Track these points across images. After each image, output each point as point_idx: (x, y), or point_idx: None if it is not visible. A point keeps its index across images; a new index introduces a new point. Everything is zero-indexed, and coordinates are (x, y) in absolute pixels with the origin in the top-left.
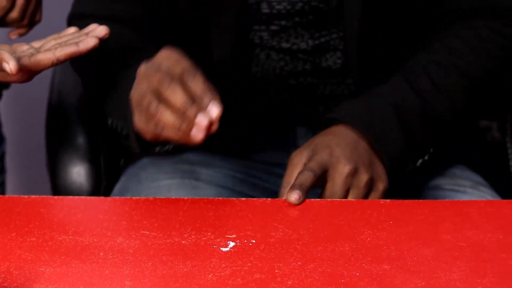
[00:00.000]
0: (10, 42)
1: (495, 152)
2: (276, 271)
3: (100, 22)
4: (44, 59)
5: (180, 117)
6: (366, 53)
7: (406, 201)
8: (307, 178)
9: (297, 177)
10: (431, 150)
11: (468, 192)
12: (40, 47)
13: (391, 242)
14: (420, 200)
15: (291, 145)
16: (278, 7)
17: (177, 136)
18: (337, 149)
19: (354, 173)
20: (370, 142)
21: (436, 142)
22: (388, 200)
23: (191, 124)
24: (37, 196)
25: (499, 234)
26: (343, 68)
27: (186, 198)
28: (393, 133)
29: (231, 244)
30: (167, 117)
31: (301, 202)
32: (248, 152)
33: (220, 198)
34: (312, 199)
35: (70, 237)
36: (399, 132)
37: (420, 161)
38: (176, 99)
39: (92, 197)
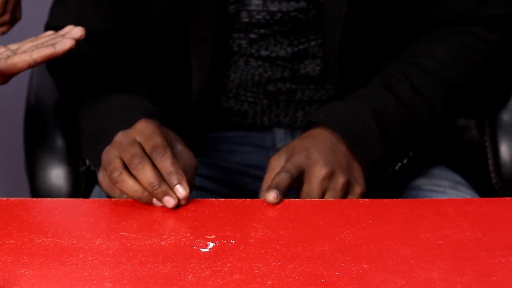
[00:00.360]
0: None
1: (474, 151)
2: (256, 271)
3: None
4: (21, 62)
5: (144, 192)
6: (346, 60)
7: (385, 200)
8: (284, 179)
9: (273, 178)
10: (410, 154)
11: (447, 192)
12: (16, 49)
13: (370, 241)
14: (399, 199)
15: (269, 148)
16: (257, 16)
17: (140, 200)
18: (314, 152)
19: (330, 175)
20: (348, 145)
21: (415, 146)
22: (367, 200)
23: (158, 198)
24: (15, 198)
25: (477, 233)
26: (322, 74)
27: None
28: (372, 138)
29: (211, 244)
30: (130, 186)
31: (278, 201)
32: (227, 155)
33: (201, 199)
34: (291, 199)
35: (49, 239)
36: (378, 137)
37: (399, 164)
38: (144, 178)
39: (71, 199)
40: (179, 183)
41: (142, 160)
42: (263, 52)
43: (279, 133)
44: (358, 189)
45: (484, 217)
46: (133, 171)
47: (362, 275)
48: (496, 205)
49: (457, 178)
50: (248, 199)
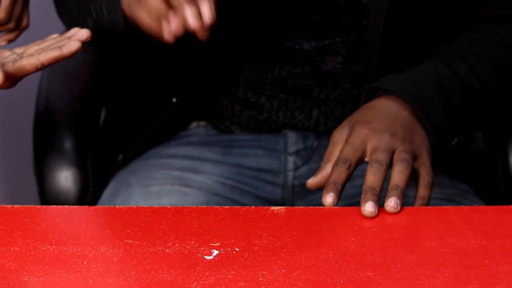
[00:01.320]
0: None
1: (481, 162)
2: (260, 279)
3: None
4: (28, 65)
5: (167, 9)
6: (387, 57)
7: None
8: (341, 174)
9: (331, 173)
10: (464, 131)
11: (456, 201)
12: (22, 53)
13: (375, 249)
14: (404, 207)
15: (281, 152)
16: None
17: (152, 24)
18: (376, 123)
19: (393, 143)
20: (412, 112)
21: (469, 123)
22: None
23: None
24: (20, 205)
25: (482, 240)
26: (342, 72)
27: (169, 207)
28: (436, 105)
29: (215, 252)
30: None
31: (335, 203)
32: (239, 158)
33: (209, 205)
34: (295, 207)
35: (54, 246)
36: (441, 105)
37: (455, 140)
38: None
39: (76, 206)
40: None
41: None
42: (288, 43)
43: (291, 137)
44: (425, 158)
45: (489, 224)
46: None
47: (367, 283)
48: (501, 213)
49: (465, 187)
50: (252, 207)
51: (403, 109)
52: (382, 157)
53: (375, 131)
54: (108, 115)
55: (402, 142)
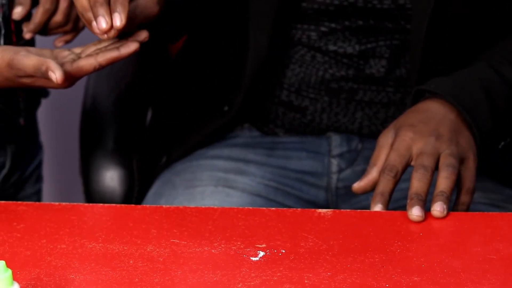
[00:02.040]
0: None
1: None
2: (306, 281)
3: None
4: (86, 65)
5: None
6: (430, 61)
7: None
8: (388, 183)
9: (378, 183)
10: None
11: (502, 206)
12: (80, 53)
13: (421, 253)
14: (450, 212)
15: (325, 154)
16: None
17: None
18: (422, 126)
19: (439, 147)
20: (459, 115)
21: None
22: None
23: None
24: (67, 203)
25: None
26: (386, 76)
27: (216, 207)
28: (483, 108)
29: (261, 253)
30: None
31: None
32: (282, 161)
33: (252, 207)
34: (342, 210)
35: (100, 244)
36: (488, 108)
37: (502, 143)
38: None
39: (122, 205)
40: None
41: None
42: (331, 47)
43: (335, 139)
44: (471, 161)
45: None
46: None
47: (412, 287)
48: None
49: (511, 192)
50: (298, 209)
51: (449, 112)
52: (428, 162)
53: (421, 135)
54: (155, 116)
55: (448, 145)
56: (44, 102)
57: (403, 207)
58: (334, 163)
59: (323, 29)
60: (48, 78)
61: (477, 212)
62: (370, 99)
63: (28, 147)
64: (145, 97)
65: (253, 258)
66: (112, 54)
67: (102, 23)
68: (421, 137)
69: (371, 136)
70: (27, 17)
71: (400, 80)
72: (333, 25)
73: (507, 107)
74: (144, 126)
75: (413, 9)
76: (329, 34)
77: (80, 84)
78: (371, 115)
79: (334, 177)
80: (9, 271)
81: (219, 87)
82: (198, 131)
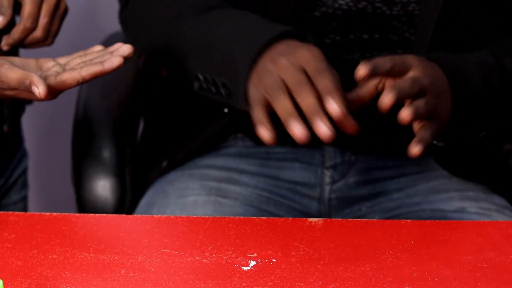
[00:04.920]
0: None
1: None
2: None
3: None
4: (70, 79)
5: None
6: None
7: (427, 221)
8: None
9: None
10: (484, 134)
11: (493, 216)
12: (65, 65)
13: (412, 262)
14: (441, 221)
15: (318, 165)
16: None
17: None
18: (421, 63)
19: (424, 88)
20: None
21: (498, 119)
22: (409, 221)
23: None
24: (58, 213)
25: None
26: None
27: (207, 217)
28: (472, 80)
29: (252, 263)
30: (286, 105)
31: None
32: (275, 171)
33: (244, 216)
34: (333, 219)
35: (91, 254)
36: (479, 82)
37: (483, 133)
38: (306, 102)
39: (114, 215)
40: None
41: (303, 83)
42: (333, 59)
43: (329, 151)
44: (441, 116)
45: None
46: (295, 92)
47: None
48: None
49: (503, 202)
50: (290, 218)
51: (443, 77)
52: (418, 82)
53: (424, 71)
54: (148, 125)
55: (432, 95)
56: (31, 109)
57: (395, 217)
58: (327, 175)
59: (327, 41)
60: (31, 92)
61: (468, 221)
62: (369, 110)
63: (12, 154)
64: (138, 106)
65: (244, 268)
66: (96, 69)
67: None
68: (424, 70)
69: (365, 149)
70: (10, 25)
71: None
72: (337, 37)
73: (499, 88)
74: (137, 135)
75: (419, 16)
76: (332, 47)
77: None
78: (368, 129)
79: (327, 188)
80: (0, 282)
81: None
82: (196, 136)
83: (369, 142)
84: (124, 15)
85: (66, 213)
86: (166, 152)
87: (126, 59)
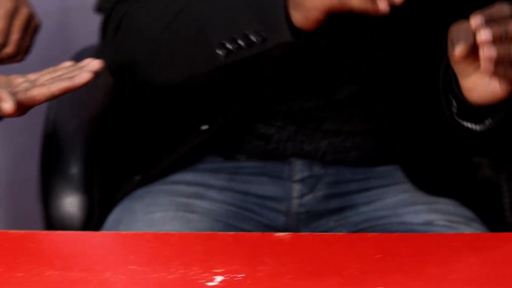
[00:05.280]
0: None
1: (487, 189)
2: None
3: None
4: (39, 95)
5: None
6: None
7: (394, 234)
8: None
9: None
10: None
11: (460, 228)
12: (35, 81)
13: (379, 276)
14: (408, 234)
15: (286, 179)
16: None
17: (361, 4)
18: None
19: None
20: None
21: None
22: (375, 234)
23: None
24: (25, 231)
25: (487, 268)
26: (356, 102)
27: (173, 232)
28: None
29: (219, 278)
30: None
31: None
32: (244, 185)
33: (212, 232)
34: (300, 233)
35: (58, 272)
36: None
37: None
38: None
39: (81, 232)
40: None
41: None
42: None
43: (297, 164)
44: None
45: (494, 252)
46: None
47: None
48: (506, 240)
49: (470, 214)
50: (257, 233)
51: None
52: None
53: None
54: (120, 140)
55: None
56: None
57: (362, 230)
58: (296, 188)
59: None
60: (0, 108)
61: (436, 234)
62: (338, 128)
63: None
64: (108, 122)
65: (210, 284)
66: (65, 84)
67: None
68: None
69: (334, 162)
70: None
71: (368, 108)
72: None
73: None
74: (106, 151)
75: None
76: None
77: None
78: (337, 144)
79: (295, 202)
80: None
81: (198, 108)
82: (172, 152)
83: (337, 155)
84: (117, 40)
85: (33, 230)
86: (139, 168)
87: (95, 74)
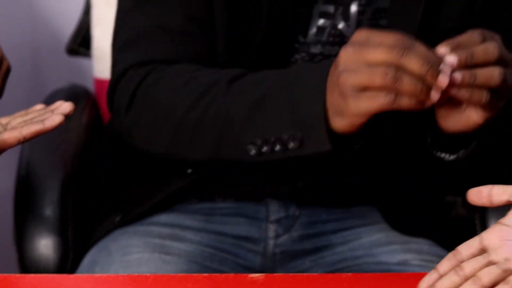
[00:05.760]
0: None
1: (461, 228)
2: None
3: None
4: (10, 138)
5: (420, 81)
6: None
7: (369, 274)
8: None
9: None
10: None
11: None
12: (6, 124)
13: None
14: (383, 273)
15: (262, 220)
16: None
17: (410, 103)
18: None
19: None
20: None
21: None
22: (350, 274)
23: (429, 85)
24: None
25: None
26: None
27: (149, 274)
28: None
29: None
30: (407, 84)
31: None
32: (220, 226)
33: (188, 273)
34: (274, 274)
35: None
36: None
37: (462, 151)
38: (416, 65)
39: (55, 275)
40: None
41: (403, 49)
42: None
43: (273, 205)
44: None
45: None
46: (400, 62)
47: None
48: None
49: (446, 254)
50: (231, 274)
51: None
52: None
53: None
54: (92, 183)
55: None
56: None
57: (338, 270)
58: (272, 229)
59: None
60: None
61: (410, 273)
62: (314, 169)
63: None
64: (82, 163)
65: None
66: (37, 127)
67: None
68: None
69: (310, 203)
70: None
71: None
72: None
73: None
74: (82, 192)
75: None
76: None
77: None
78: (313, 185)
79: (271, 242)
80: None
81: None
82: (155, 195)
83: (313, 196)
84: (133, 115)
85: (6, 274)
86: (120, 208)
87: (67, 117)
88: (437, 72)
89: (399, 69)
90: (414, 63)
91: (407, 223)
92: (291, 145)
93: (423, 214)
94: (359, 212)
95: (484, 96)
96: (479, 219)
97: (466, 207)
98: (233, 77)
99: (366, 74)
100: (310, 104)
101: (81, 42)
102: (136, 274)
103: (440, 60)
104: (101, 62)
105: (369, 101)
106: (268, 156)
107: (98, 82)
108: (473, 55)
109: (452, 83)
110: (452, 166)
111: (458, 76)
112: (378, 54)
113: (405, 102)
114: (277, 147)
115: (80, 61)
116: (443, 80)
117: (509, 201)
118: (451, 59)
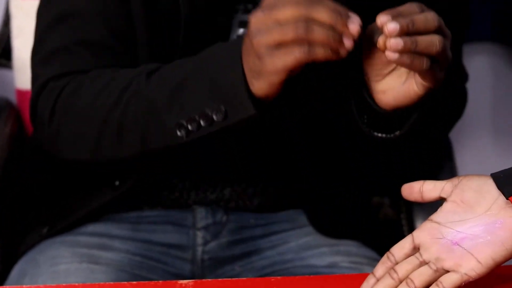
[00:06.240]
0: None
1: (389, 229)
2: None
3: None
4: None
5: (330, 30)
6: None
7: (298, 277)
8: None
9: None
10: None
11: (365, 269)
12: None
13: None
14: (312, 276)
15: (190, 227)
16: None
17: (325, 53)
18: None
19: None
20: None
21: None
22: (279, 278)
23: (340, 35)
24: None
25: None
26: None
27: (77, 284)
28: None
29: None
30: (318, 33)
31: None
32: (147, 234)
33: (116, 282)
34: (204, 280)
35: None
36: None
37: (397, 132)
38: (324, 15)
39: None
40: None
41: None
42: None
43: (200, 212)
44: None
45: None
46: (311, 15)
47: None
48: None
49: (374, 255)
50: (160, 281)
51: None
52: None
53: None
54: (21, 192)
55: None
56: None
57: (268, 274)
58: (199, 236)
59: None
60: None
61: (340, 275)
62: (240, 176)
63: None
64: (5, 175)
65: None
66: None
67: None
68: None
69: (237, 209)
70: None
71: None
72: None
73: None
74: (7, 204)
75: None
76: None
77: None
78: (240, 191)
79: (200, 249)
80: None
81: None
82: (82, 206)
83: (242, 204)
84: (52, 130)
85: None
86: (47, 220)
87: None
88: (346, 19)
89: (308, 21)
90: (322, 12)
91: (333, 226)
92: (216, 117)
93: (350, 216)
94: (287, 216)
95: (425, 62)
96: (405, 220)
97: (393, 208)
98: (151, 70)
99: (278, 31)
100: (227, 74)
101: (1, 53)
102: (65, 284)
103: (346, 10)
104: (22, 73)
105: (284, 56)
106: (196, 134)
107: (20, 93)
108: (414, 23)
109: (394, 49)
110: (383, 154)
111: (399, 42)
112: (287, 11)
113: (320, 52)
114: (203, 123)
115: (1, 72)
116: (353, 27)
117: (440, 197)
118: (393, 25)
